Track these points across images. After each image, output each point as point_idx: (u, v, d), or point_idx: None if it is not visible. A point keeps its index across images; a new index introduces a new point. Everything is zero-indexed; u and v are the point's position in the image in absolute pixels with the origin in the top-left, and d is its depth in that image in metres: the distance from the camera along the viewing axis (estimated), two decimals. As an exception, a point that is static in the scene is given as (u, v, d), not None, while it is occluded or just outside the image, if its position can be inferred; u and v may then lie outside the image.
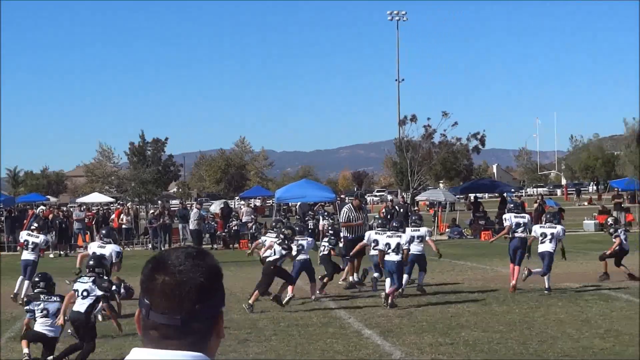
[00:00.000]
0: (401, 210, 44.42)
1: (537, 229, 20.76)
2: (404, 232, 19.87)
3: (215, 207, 63.91)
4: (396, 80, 73.01)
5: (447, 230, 48.44)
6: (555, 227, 20.61)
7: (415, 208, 54.01)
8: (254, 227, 41.44)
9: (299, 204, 48.64)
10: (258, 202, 70.45)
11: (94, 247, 18.49)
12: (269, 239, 20.39)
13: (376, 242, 19.67)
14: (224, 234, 44.45)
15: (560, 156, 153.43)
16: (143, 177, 57.53)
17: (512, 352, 13.10)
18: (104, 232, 19.52)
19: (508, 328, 15.30)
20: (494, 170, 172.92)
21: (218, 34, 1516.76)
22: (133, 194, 59.28)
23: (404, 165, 58.73)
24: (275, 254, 18.79)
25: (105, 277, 14.24)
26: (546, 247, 20.37)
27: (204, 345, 2.49)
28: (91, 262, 14.33)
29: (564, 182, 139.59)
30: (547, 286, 20.05)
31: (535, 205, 48.80)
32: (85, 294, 13.21)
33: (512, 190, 68.21)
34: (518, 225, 20.96)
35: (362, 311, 18.05)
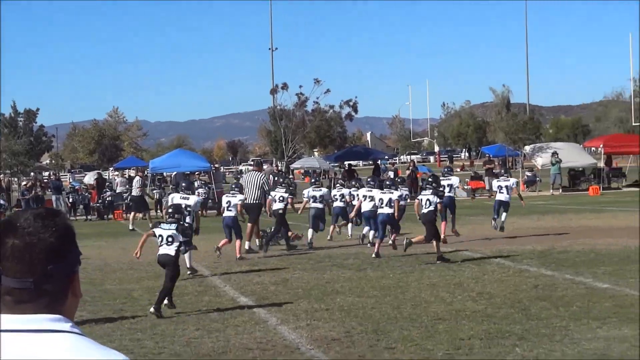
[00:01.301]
0: (275, 178, 44.48)
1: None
2: (396, 189, 22.21)
3: (89, 178, 62.89)
4: (269, 49, 72.88)
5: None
6: (392, 193, 21.76)
7: (291, 176, 54.08)
8: (128, 197, 40.95)
9: (174, 173, 48.23)
10: (132, 173, 69.57)
11: (177, 199, 20.27)
12: (278, 193, 24.03)
13: (371, 198, 22.32)
14: (98, 204, 43.82)
15: (433, 123, 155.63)
16: (15, 149, 56.28)
17: (387, 316, 13.21)
18: (184, 184, 21.60)
19: (382, 293, 15.45)
20: (368, 138, 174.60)
21: (90, 3, 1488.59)
22: (5, 165, 57.97)
23: (278, 134, 58.80)
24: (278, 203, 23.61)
25: (186, 224, 16.57)
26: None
27: (61, 306, 2.41)
28: (171, 210, 16.14)
29: (436, 149, 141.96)
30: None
31: (408, 172, 49.46)
32: (170, 240, 14.96)
33: (386, 157, 69.10)
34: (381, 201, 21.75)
35: (237, 279, 18.00)
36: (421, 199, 20.91)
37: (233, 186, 23.67)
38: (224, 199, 22.87)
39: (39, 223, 2.39)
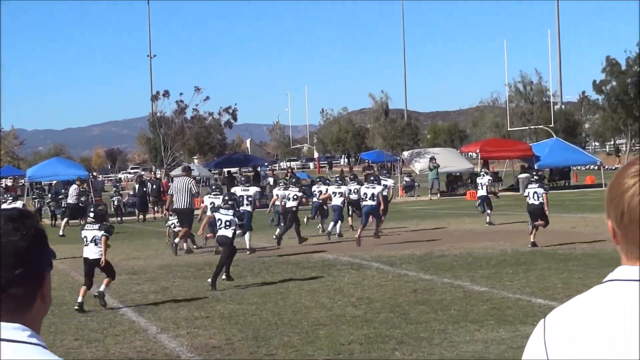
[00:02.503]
0: (154, 186, 44.12)
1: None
2: (379, 183, 25.66)
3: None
4: (148, 55, 72.25)
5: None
6: (375, 188, 25.09)
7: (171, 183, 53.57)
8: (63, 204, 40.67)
9: (54, 182, 47.39)
10: (9, 182, 68.05)
11: (239, 191, 24.37)
12: (292, 192, 26.03)
13: (341, 194, 26.96)
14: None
15: (312, 130, 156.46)
16: None
17: (267, 323, 13.17)
18: (243, 179, 26.34)
19: (263, 300, 15.40)
20: (248, 145, 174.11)
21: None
22: None
23: (157, 142, 58.32)
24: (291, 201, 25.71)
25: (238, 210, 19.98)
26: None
27: (26, 311, 2.31)
28: (227, 198, 19.38)
29: (316, 155, 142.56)
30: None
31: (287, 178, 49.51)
32: (228, 224, 18.18)
33: (266, 164, 69.02)
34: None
35: (117, 288, 17.72)
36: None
37: (214, 187, 26.66)
38: (207, 199, 24.42)
39: (9, 225, 2.31)
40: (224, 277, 17.61)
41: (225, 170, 60.81)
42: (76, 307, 15.05)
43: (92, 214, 16.24)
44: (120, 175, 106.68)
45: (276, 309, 14.40)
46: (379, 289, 15.98)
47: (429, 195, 50.94)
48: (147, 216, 42.92)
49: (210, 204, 23.41)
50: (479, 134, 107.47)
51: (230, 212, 18.31)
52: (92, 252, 15.60)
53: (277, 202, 26.75)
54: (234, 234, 18.27)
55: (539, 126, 77.61)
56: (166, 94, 57.93)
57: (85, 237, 15.75)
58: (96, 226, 15.75)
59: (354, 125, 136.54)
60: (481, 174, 32.90)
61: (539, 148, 55.93)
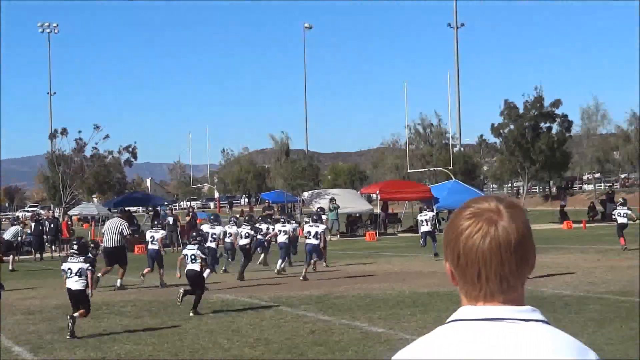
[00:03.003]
0: (52, 225, 43.57)
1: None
2: (322, 223, 27.89)
3: None
4: (48, 93, 71.43)
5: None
6: (318, 227, 27.01)
7: (70, 222, 52.83)
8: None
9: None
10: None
11: (206, 228, 27.39)
12: (245, 230, 27.77)
13: (285, 232, 29.20)
14: None
15: (213, 169, 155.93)
16: None
17: (165, 364, 13.09)
18: (212, 217, 29.23)
19: (160, 340, 15.29)
20: (148, 184, 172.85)
21: None
22: None
23: (56, 180, 57.52)
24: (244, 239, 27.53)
25: (205, 245, 21.87)
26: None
27: None
28: (194, 234, 20.91)
29: (217, 194, 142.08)
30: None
31: (188, 218, 49.30)
32: (193, 257, 19.45)
33: (166, 203, 68.52)
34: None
35: (12, 328, 17.41)
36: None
37: (156, 223, 28.70)
38: (148, 234, 26.87)
39: None
40: (190, 313, 18.44)
41: (126, 209, 60.24)
42: (68, 335, 15.76)
43: (75, 247, 16.98)
44: (19, 214, 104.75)
45: (173, 349, 14.31)
46: (277, 330, 16.00)
47: (329, 236, 51.14)
48: (45, 255, 42.50)
49: (150, 237, 26.24)
50: (379, 175, 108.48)
51: (196, 246, 19.75)
52: (75, 283, 16.35)
53: (228, 240, 28.29)
54: (201, 267, 19.54)
55: (438, 168, 78.59)
56: (64, 132, 57.30)
57: (69, 269, 16.46)
58: (81, 258, 16.53)
59: (254, 165, 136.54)
60: (423, 212, 34.35)
61: (438, 190, 56.70)
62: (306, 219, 29.96)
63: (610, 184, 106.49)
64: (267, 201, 65.56)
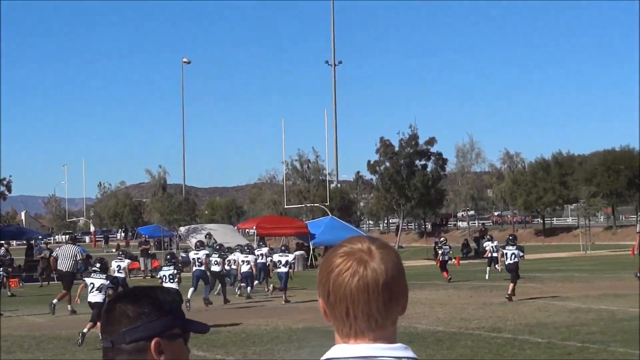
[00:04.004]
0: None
1: None
2: (290, 253, 32.34)
3: None
4: None
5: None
6: (288, 256, 30.52)
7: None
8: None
9: None
10: None
11: (192, 254, 29.98)
12: (214, 257, 30.12)
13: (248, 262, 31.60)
14: None
15: (89, 203, 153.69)
16: None
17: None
18: (199, 242, 31.88)
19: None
20: (22, 217, 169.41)
21: None
22: None
23: None
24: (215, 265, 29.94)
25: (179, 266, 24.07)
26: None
27: None
28: (169, 257, 23.74)
29: (92, 229, 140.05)
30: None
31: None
32: (171, 277, 22.36)
33: (40, 237, 67.25)
34: None
35: None
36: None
37: (120, 252, 31.51)
38: (114, 263, 28.86)
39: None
40: None
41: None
42: (78, 343, 18.37)
43: (98, 265, 20.33)
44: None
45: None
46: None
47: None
48: None
49: (117, 266, 29.11)
50: (256, 211, 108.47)
51: (172, 267, 22.69)
52: (95, 297, 19.54)
53: (195, 267, 29.28)
54: (177, 286, 21.99)
55: (315, 204, 79.06)
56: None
57: (92, 283, 19.76)
58: (103, 276, 19.97)
59: (131, 199, 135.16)
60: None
61: (315, 226, 57.03)
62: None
63: (484, 222, 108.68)
64: (143, 235, 64.81)
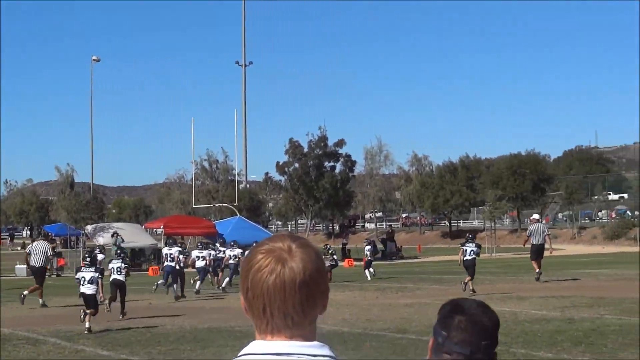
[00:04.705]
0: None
1: None
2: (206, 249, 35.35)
3: None
4: None
5: None
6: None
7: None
8: None
9: None
10: None
11: (165, 250, 31.86)
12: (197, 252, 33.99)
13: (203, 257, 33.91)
14: None
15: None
16: None
17: None
18: (171, 240, 33.44)
19: None
20: None
21: None
22: None
23: None
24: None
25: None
26: None
27: None
28: (118, 251, 25.22)
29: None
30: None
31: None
32: (119, 270, 24.15)
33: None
34: None
35: None
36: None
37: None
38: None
39: (480, 309, 3.04)
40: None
41: None
42: (86, 332, 20.23)
43: (88, 259, 22.02)
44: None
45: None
46: (55, 365, 15.69)
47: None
48: None
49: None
50: (164, 210, 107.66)
51: (120, 260, 24.27)
52: (88, 289, 21.12)
53: (167, 262, 30.91)
54: (124, 277, 23.87)
55: (224, 204, 78.83)
56: None
57: (83, 277, 21.33)
58: (92, 269, 21.55)
59: (38, 197, 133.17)
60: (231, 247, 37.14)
61: (223, 226, 56.88)
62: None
63: (391, 224, 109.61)
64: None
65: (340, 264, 39.31)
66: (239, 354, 2.42)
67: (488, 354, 2.99)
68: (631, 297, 25.18)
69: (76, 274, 22.19)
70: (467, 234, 31.71)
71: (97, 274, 21.55)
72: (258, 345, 2.39)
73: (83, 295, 21.27)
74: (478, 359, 2.96)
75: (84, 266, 21.84)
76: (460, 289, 28.34)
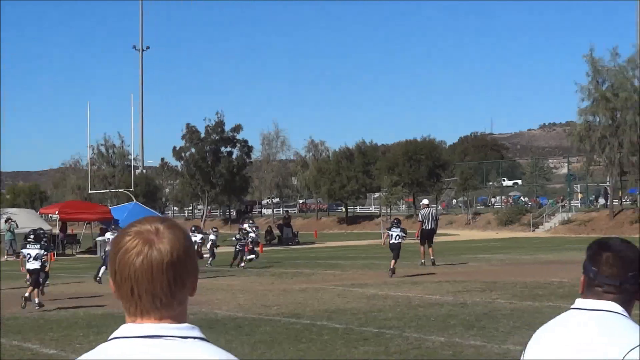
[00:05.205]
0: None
1: None
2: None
3: None
4: None
5: None
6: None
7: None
8: None
9: None
10: None
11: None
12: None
13: None
14: None
15: None
16: None
17: None
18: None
19: None
20: None
21: None
22: None
23: None
24: None
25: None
26: None
27: (630, 302, 3.45)
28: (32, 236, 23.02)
29: None
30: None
31: None
32: (36, 257, 22.75)
33: None
34: None
35: None
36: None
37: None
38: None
39: (625, 245, 3.51)
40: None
41: None
42: (37, 307, 21.52)
43: (32, 236, 22.37)
44: None
45: None
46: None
47: (5, 257, 49.62)
48: None
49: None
50: (60, 196, 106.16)
51: (37, 246, 22.82)
52: (33, 265, 22.06)
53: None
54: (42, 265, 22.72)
55: (120, 190, 78.07)
56: None
57: (29, 254, 22.20)
58: (37, 245, 22.24)
59: None
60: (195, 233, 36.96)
61: (119, 211, 56.37)
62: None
63: (288, 209, 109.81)
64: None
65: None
66: (109, 337, 2.40)
67: (635, 283, 3.43)
68: (522, 281, 25.73)
69: (21, 250, 23.28)
70: (394, 219, 32.75)
71: (43, 251, 22.34)
72: (128, 328, 2.37)
73: (28, 270, 22.30)
74: (627, 288, 3.41)
75: (29, 243, 22.46)
76: (388, 275, 29.36)
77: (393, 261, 30.11)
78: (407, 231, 32.25)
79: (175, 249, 2.36)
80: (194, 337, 2.37)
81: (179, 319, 2.40)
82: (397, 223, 31.37)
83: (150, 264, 2.32)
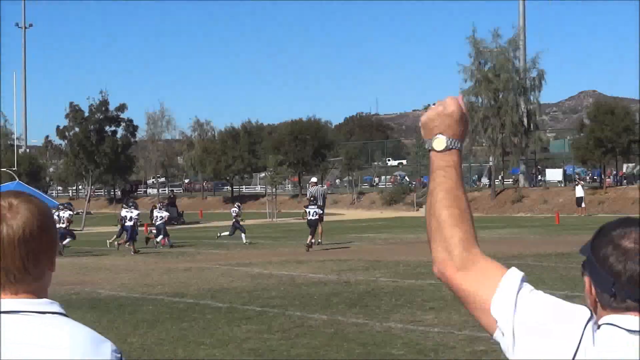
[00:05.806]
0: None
1: None
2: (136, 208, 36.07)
3: None
4: None
5: None
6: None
7: None
8: None
9: None
10: None
11: (123, 212, 35.40)
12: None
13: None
14: None
15: None
16: None
17: None
18: (131, 203, 36.70)
19: None
20: None
21: None
22: None
23: None
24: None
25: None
26: None
27: None
28: None
29: None
30: None
31: None
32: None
33: None
34: None
35: None
36: None
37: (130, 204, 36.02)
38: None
39: None
40: None
41: None
42: None
43: None
44: None
45: None
46: None
47: None
48: None
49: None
50: None
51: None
52: None
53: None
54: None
55: (3, 169, 76.41)
56: None
57: None
58: None
59: None
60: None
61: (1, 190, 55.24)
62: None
63: (173, 189, 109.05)
64: None
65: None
66: None
67: None
68: (405, 260, 26.07)
69: None
70: (311, 198, 33.86)
71: None
72: (7, 303, 2.33)
73: None
74: None
75: None
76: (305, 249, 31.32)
77: (310, 237, 31.77)
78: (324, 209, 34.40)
79: (29, 225, 2.33)
80: (52, 312, 2.34)
81: (37, 293, 2.37)
82: (313, 201, 32.99)
83: (2, 240, 2.30)
